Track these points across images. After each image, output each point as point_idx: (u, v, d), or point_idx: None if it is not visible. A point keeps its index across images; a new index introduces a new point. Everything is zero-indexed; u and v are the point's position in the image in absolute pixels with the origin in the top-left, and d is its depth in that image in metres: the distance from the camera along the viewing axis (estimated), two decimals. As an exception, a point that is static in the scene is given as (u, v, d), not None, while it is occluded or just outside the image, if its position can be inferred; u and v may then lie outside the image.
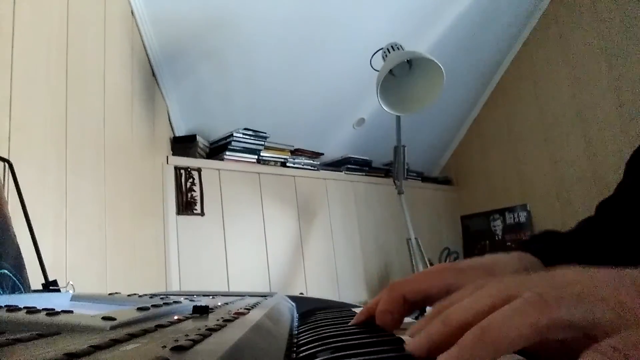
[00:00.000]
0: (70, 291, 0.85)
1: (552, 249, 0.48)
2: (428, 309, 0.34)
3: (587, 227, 0.53)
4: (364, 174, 2.97)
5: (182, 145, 2.25)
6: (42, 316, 0.30)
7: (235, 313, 0.37)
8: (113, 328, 0.27)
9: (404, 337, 0.32)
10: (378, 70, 1.99)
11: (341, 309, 0.53)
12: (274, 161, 2.54)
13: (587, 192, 2.63)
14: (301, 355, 0.31)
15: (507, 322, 0.22)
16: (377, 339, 0.33)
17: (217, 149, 2.38)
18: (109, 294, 0.58)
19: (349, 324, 0.42)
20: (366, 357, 0.28)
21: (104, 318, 0.29)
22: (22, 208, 0.99)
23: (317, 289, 2.46)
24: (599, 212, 0.54)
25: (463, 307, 0.26)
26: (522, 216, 3.01)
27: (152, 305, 0.38)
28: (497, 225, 3.16)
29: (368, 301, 0.48)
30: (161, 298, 0.51)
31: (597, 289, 0.23)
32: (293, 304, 0.67)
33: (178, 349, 0.21)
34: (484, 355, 0.22)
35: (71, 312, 0.32)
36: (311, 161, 2.71)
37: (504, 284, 0.26)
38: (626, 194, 0.54)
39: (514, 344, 0.22)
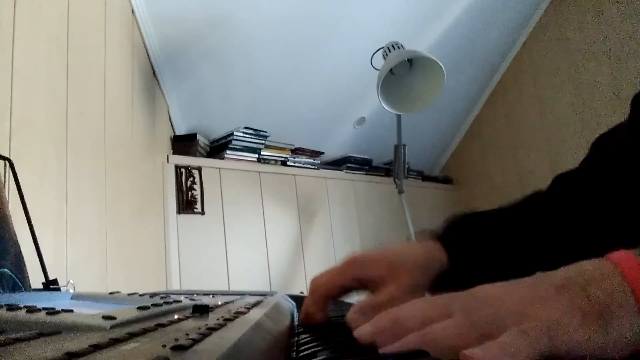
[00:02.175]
0: (71, 290, 0.85)
1: (461, 236, 0.50)
2: None
3: (532, 202, 0.54)
4: (364, 173, 2.97)
5: (183, 144, 2.25)
6: (42, 315, 0.30)
7: (236, 312, 0.37)
8: (113, 327, 0.27)
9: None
10: (379, 69, 1.98)
11: (341, 308, 0.53)
12: (275, 160, 2.54)
13: (588, 192, 2.62)
14: (301, 354, 0.31)
15: (443, 334, 0.28)
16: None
17: (218, 148, 2.38)
18: (110, 293, 0.58)
19: (304, 326, 0.47)
20: (366, 357, 0.28)
21: (104, 317, 0.29)
22: (23, 207, 0.99)
23: (318, 288, 2.46)
24: (553, 186, 0.55)
25: (411, 313, 0.31)
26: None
27: (153, 305, 0.38)
28: (498, 224, 3.15)
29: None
30: (161, 297, 0.51)
31: (505, 303, 0.28)
32: (293, 303, 0.67)
33: (178, 348, 0.21)
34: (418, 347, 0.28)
35: (71, 311, 0.32)
36: (311, 160, 2.71)
37: (445, 302, 0.31)
38: (584, 172, 0.54)
39: (443, 353, 0.27)
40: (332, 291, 0.47)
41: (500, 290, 0.30)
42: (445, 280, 0.47)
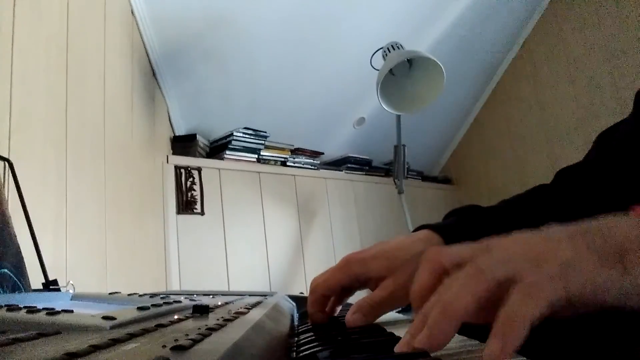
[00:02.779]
0: (71, 291, 0.85)
1: (459, 226, 0.49)
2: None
3: (537, 195, 0.53)
4: (364, 173, 2.97)
5: (182, 144, 2.25)
6: (42, 316, 0.30)
7: (236, 313, 0.37)
8: (113, 327, 0.27)
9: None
10: (378, 70, 1.98)
11: (341, 309, 0.53)
12: (274, 160, 2.54)
13: (587, 192, 2.62)
14: (301, 354, 0.31)
15: (458, 297, 0.27)
16: (377, 338, 0.33)
17: (217, 148, 2.38)
18: (109, 294, 0.58)
19: (310, 325, 0.47)
20: (366, 357, 0.28)
21: (104, 317, 0.29)
22: (23, 207, 0.99)
23: (317, 288, 2.46)
24: (557, 180, 0.55)
25: (420, 286, 0.31)
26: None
27: (152, 305, 0.38)
28: (497, 224, 3.15)
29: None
30: (161, 297, 0.51)
31: (514, 245, 0.28)
32: (293, 303, 0.67)
33: (178, 348, 0.21)
34: (450, 327, 0.27)
35: (71, 311, 0.32)
36: (311, 160, 2.71)
37: (447, 259, 0.30)
38: (588, 165, 0.54)
39: (468, 312, 0.27)
40: (330, 290, 0.47)
41: (512, 238, 0.29)
42: None
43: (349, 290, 0.48)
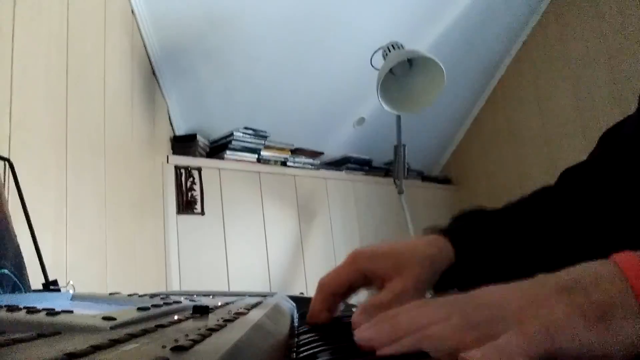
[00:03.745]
0: (71, 291, 0.85)
1: (467, 230, 0.49)
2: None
3: (541, 197, 0.53)
4: (364, 173, 2.97)
5: (183, 144, 2.25)
6: (42, 316, 0.30)
7: (236, 313, 0.37)
8: (113, 328, 0.27)
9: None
10: (378, 69, 1.98)
11: (338, 311, 0.53)
12: (274, 160, 2.54)
13: (588, 192, 2.62)
14: (301, 355, 0.31)
15: (442, 334, 0.28)
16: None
17: (218, 148, 2.38)
18: (109, 294, 0.58)
19: (310, 324, 0.46)
20: (366, 357, 0.28)
21: (104, 318, 0.29)
22: (23, 207, 0.99)
23: (317, 288, 2.46)
24: (561, 180, 0.54)
25: (409, 317, 0.31)
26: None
27: (152, 305, 0.38)
28: (497, 224, 3.15)
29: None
30: (161, 298, 0.51)
31: (503, 304, 0.29)
32: (293, 304, 0.67)
33: (178, 349, 0.21)
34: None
35: (71, 312, 0.32)
36: (311, 160, 2.71)
37: (442, 306, 0.31)
38: (592, 165, 0.54)
39: (443, 351, 0.28)
40: (339, 288, 0.46)
41: (500, 292, 0.30)
42: (451, 275, 0.46)
43: (354, 287, 0.47)
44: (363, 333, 0.31)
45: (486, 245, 0.48)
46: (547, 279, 0.30)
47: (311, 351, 0.30)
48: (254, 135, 2.41)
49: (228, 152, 2.33)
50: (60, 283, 0.92)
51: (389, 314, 0.32)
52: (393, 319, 0.31)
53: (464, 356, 0.24)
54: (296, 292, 0.94)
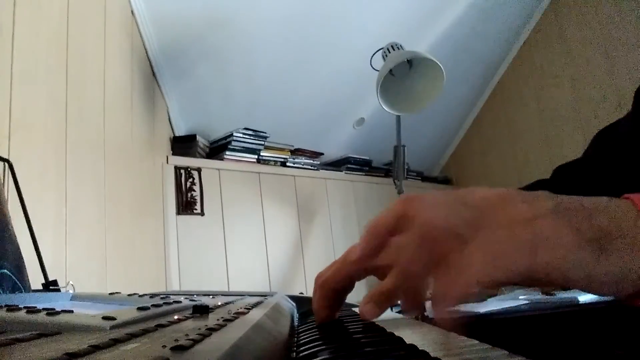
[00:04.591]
0: (70, 291, 0.85)
1: None
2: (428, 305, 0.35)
3: (536, 189, 0.53)
4: (364, 173, 2.97)
5: (182, 145, 2.25)
6: (42, 316, 0.30)
7: (236, 313, 0.37)
8: (113, 328, 0.27)
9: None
10: (378, 70, 1.98)
11: (341, 309, 0.53)
12: (274, 161, 2.54)
13: (587, 192, 2.62)
14: (301, 355, 0.31)
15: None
16: (377, 338, 0.33)
17: (217, 149, 2.38)
18: (109, 294, 0.58)
19: (316, 324, 0.45)
20: (366, 357, 0.28)
21: (104, 318, 0.29)
22: (22, 208, 0.99)
23: (317, 288, 2.46)
24: (555, 175, 0.55)
25: (379, 221, 0.33)
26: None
27: (152, 305, 0.38)
28: (497, 225, 3.15)
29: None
30: (161, 298, 0.51)
31: (488, 199, 0.28)
32: (293, 303, 0.67)
33: (178, 348, 0.21)
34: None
35: (71, 311, 0.32)
36: (311, 161, 2.71)
37: (411, 201, 0.31)
38: (586, 162, 0.54)
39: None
40: (340, 283, 0.45)
41: (489, 192, 0.28)
42: None
43: (354, 282, 0.47)
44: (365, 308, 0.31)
45: None
46: (549, 195, 0.28)
47: (311, 350, 0.30)
48: (254, 135, 2.41)
49: (228, 152, 2.33)
50: (60, 283, 0.92)
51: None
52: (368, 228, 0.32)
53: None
54: (296, 292, 0.94)
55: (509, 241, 0.24)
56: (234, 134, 2.32)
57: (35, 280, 0.90)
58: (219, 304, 0.47)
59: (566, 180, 0.53)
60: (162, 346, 0.21)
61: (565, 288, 0.24)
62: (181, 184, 2.17)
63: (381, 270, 0.44)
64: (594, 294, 0.24)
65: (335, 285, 0.45)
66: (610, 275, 0.24)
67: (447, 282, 0.24)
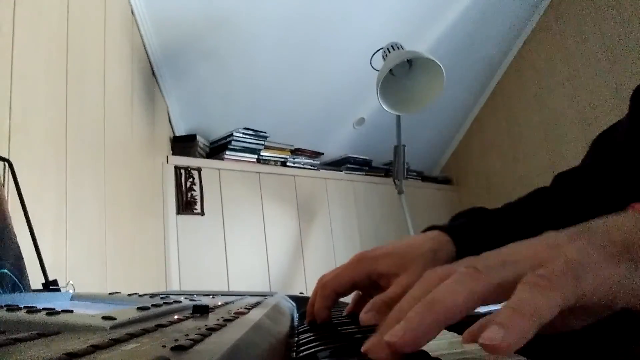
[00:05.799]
0: (70, 291, 0.85)
1: (468, 226, 0.50)
2: None
3: (537, 197, 0.54)
4: (364, 173, 2.97)
5: (182, 144, 2.25)
6: (42, 316, 0.30)
7: (236, 313, 0.37)
8: (113, 328, 0.27)
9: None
10: (378, 70, 1.98)
11: (341, 309, 0.53)
12: (274, 161, 2.54)
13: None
14: (301, 354, 0.31)
15: (450, 292, 0.24)
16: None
17: (217, 149, 2.38)
18: (109, 294, 0.58)
19: (305, 322, 0.47)
20: (366, 357, 0.28)
21: (104, 318, 0.29)
22: (22, 208, 0.99)
23: (317, 288, 2.46)
24: (555, 183, 0.55)
25: (412, 297, 0.27)
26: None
27: (152, 305, 0.38)
28: (497, 224, 3.15)
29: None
30: (161, 298, 0.51)
31: (514, 249, 0.27)
32: (293, 303, 0.67)
33: (178, 348, 0.21)
34: (432, 321, 0.24)
35: (71, 311, 0.32)
36: (311, 161, 2.71)
37: (440, 270, 0.28)
38: (585, 169, 0.55)
39: (458, 310, 0.24)
40: (342, 286, 0.46)
41: (510, 246, 0.27)
42: None
43: (355, 287, 0.48)
44: (372, 342, 0.28)
45: (486, 242, 0.49)
46: (558, 231, 0.27)
47: (311, 350, 0.30)
48: (254, 135, 2.41)
49: (228, 152, 2.33)
50: (60, 283, 0.92)
51: (382, 296, 0.32)
52: (392, 293, 0.31)
53: (485, 337, 0.21)
54: (296, 292, 0.94)
55: (553, 274, 0.23)
56: (234, 134, 2.32)
57: (35, 280, 0.90)
58: (219, 304, 0.47)
59: (567, 188, 0.53)
60: (162, 346, 0.21)
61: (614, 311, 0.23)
62: (181, 183, 2.17)
63: (384, 279, 0.45)
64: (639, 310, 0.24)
65: (337, 288, 0.46)
66: None
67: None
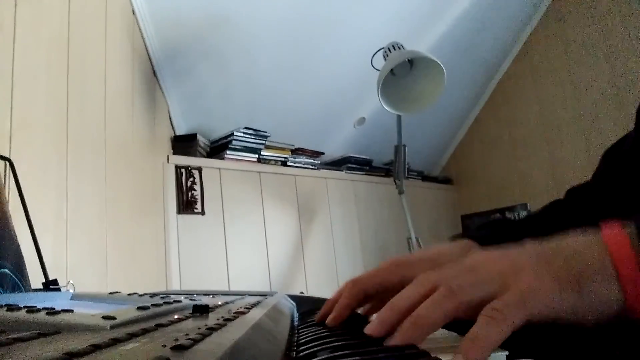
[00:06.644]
0: (71, 290, 0.85)
1: (495, 235, 0.52)
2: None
3: (552, 210, 0.57)
4: (364, 173, 2.97)
5: (183, 144, 2.25)
6: (42, 315, 0.30)
7: (236, 312, 0.37)
8: (113, 327, 0.27)
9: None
10: (379, 70, 1.98)
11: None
12: (275, 160, 2.54)
13: (588, 192, 2.61)
14: (301, 354, 0.31)
15: (429, 311, 0.32)
16: (377, 338, 0.33)
17: (218, 148, 2.38)
18: (109, 293, 0.58)
19: (316, 320, 0.47)
20: (365, 357, 0.28)
21: (104, 317, 0.29)
22: (23, 207, 0.99)
23: (317, 288, 2.46)
24: (568, 197, 0.58)
25: (403, 297, 0.35)
26: (523, 215, 3.00)
27: (152, 305, 0.38)
28: (498, 224, 3.15)
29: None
30: (161, 297, 0.51)
31: (486, 268, 0.33)
32: (293, 303, 0.67)
33: (178, 348, 0.21)
34: (418, 335, 0.32)
35: (71, 311, 0.32)
36: (312, 160, 2.71)
37: (430, 276, 0.35)
38: (598, 183, 0.56)
39: (436, 325, 0.32)
40: (373, 287, 0.46)
41: (486, 259, 0.34)
42: None
43: (383, 290, 0.47)
44: (371, 326, 0.34)
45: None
46: (532, 247, 0.33)
47: (311, 350, 0.30)
48: (255, 135, 2.41)
49: (228, 152, 2.33)
50: (60, 282, 0.93)
51: (392, 300, 0.36)
52: (391, 304, 0.35)
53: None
54: (296, 292, 0.94)
55: (506, 307, 0.29)
56: (235, 134, 2.32)
57: (36, 279, 0.90)
58: (219, 303, 0.47)
59: (579, 203, 0.56)
60: (162, 346, 0.21)
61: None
62: (182, 183, 2.17)
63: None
64: (583, 326, 0.30)
65: (368, 287, 0.46)
66: (594, 311, 0.29)
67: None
